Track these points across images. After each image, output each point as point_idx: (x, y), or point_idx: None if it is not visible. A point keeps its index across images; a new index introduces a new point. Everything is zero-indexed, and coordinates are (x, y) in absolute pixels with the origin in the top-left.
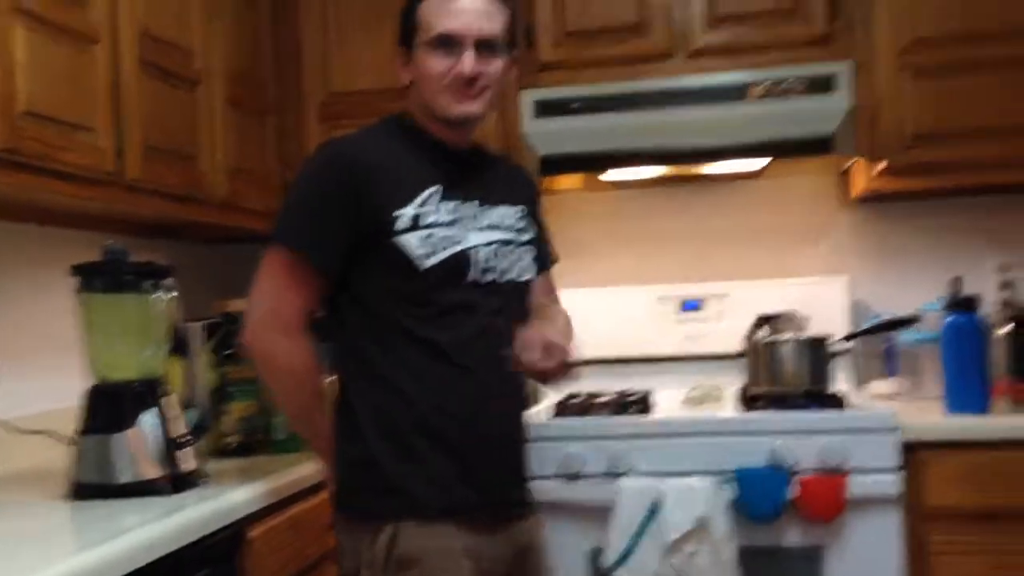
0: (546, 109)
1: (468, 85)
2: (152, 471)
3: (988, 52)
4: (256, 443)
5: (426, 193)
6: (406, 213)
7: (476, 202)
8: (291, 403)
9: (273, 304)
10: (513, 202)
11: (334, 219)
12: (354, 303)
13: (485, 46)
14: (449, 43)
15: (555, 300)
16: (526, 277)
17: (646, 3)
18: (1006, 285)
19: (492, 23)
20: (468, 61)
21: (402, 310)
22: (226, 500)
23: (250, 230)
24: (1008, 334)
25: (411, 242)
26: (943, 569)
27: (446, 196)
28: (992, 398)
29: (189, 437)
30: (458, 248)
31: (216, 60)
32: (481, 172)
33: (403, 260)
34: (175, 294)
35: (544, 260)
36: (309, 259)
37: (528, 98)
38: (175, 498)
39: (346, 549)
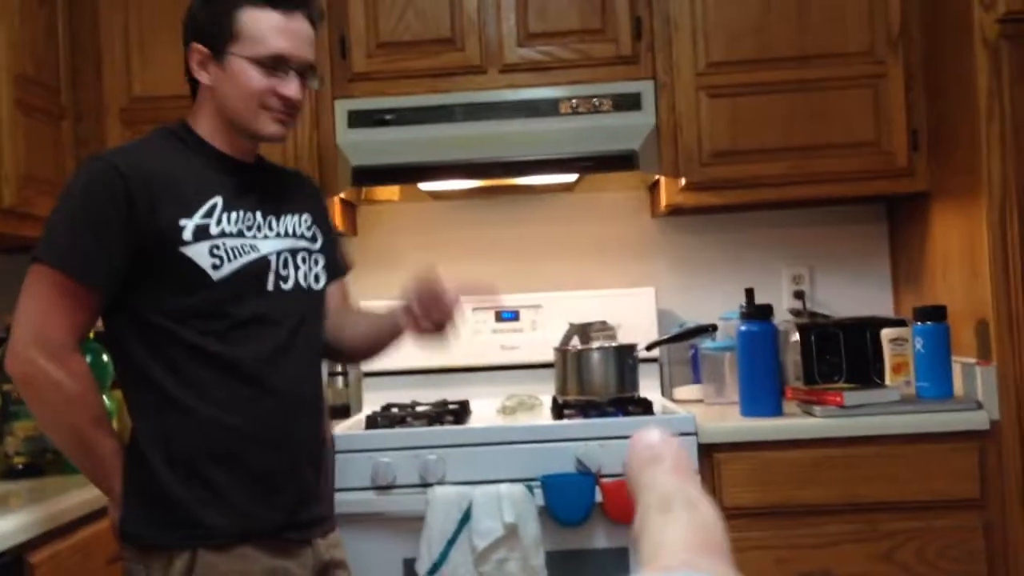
0: (359, 119)
1: (288, 108)
2: None
3: (776, 76)
4: (45, 464)
5: (209, 204)
6: (190, 224)
7: (260, 212)
8: (62, 429)
9: (37, 326)
10: (299, 210)
11: (105, 233)
12: (133, 320)
13: (306, 73)
14: (278, 64)
15: (351, 307)
16: (320, 285)
17: (459, 17)
18: (798, 295)
19: (312, 50)
20: (295, 87)
21: (191, 326)
22: (3, 523)
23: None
24: (799, 340)
25: (200, 252)
26: (738, 565)
27: (229, 206)
28: (784, 401)
29: None
30: (252, 256)
31: (2, 63)
32: (264, 182)
33: (192, 272)
34: None
35: (337, 267)
36: (80, 279)
37: (341, 108)
38: None
39: None
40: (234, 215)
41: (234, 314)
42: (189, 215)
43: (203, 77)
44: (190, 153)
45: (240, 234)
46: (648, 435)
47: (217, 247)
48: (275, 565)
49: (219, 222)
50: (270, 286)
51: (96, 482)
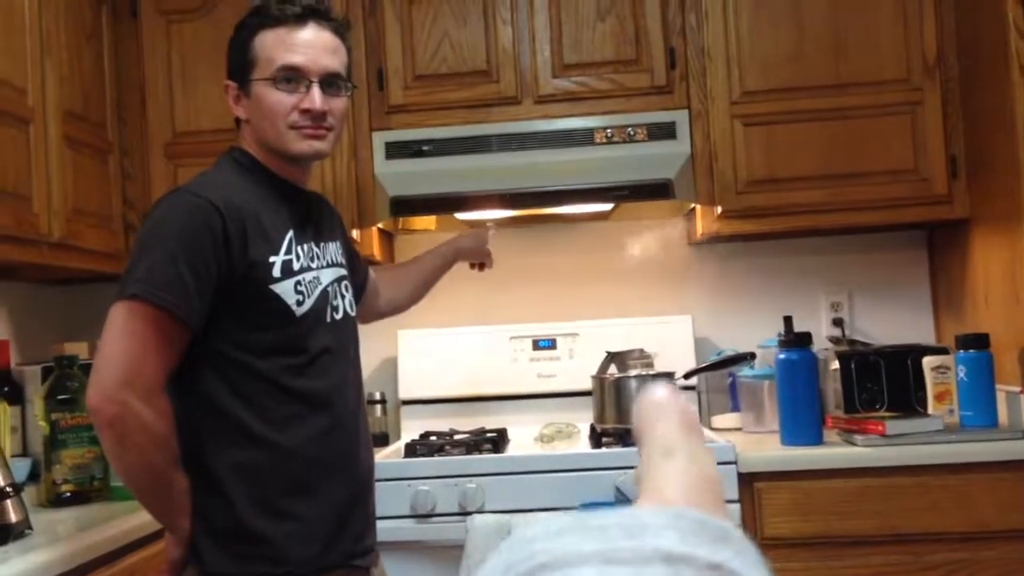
0: (397, 151)
1: (317, 121)
2: None
3: (812, 104)
4: (92, 492)
5: (287, 238)
6: (278, 260)
7: (315, 242)
8: (146, 471)
9: (133, 366)
10: (334, 238)
11: (205, 273)
12: (209, 356)
13: (329, 82)
14: (293, 78)
15: (384, 280)
16: (355, 311)
17: (495, 49)
18: (837, 322)
19: (335, 59)
20: (317, 96)
21: (272, 361)
22: (53, 551)
23: (89, 271)
24: (838, 368)
25: (287, 289)
26: None
27: (299, 239)
28: (825, 429)
29: (11, 488)
30: (320, 289)
31: (50, 98)
32: (310, 210)
33: (278, 308)
34: None
35: (366, 272)
36: (180, 317)
37: (379, 140)
38: None
39: None
40: (304, 248)
41: (310, 348)
42: (276, 251)
43: (239, 112)
44: (260, 183)
45: (310, 267)
46: (655, 392)
47: (300, 283)
48: None
49: (298, 257)
50: (328, 318)
51: (166, 520)
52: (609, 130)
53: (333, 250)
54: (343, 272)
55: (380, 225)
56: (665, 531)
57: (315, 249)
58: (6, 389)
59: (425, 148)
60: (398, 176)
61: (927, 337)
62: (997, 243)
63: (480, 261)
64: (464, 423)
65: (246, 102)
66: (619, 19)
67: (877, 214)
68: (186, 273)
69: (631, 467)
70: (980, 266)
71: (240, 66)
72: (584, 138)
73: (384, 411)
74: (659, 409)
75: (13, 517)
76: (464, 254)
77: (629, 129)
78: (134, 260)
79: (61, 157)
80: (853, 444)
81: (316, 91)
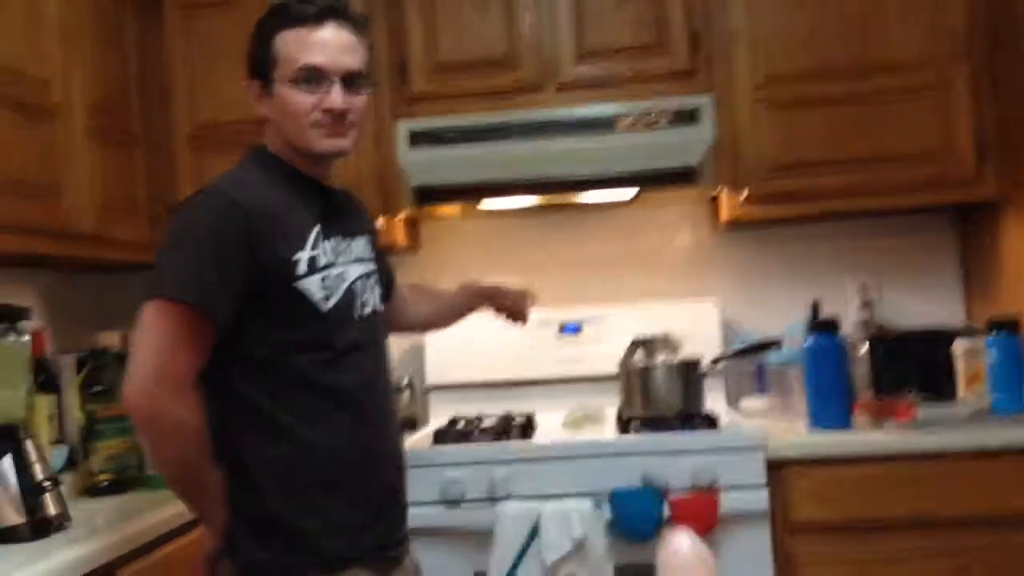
0: (420, 139)
1: (338, 120)
2: (11, 518)
3: (834, 88)
4: (128, 480)
5: (313, 234)
6: (303, 257)
7: (341, 237)
8: (181, 465)
9: (163, 363)
10: (362, 233)
11: (232, 271)
12: (237, 354)
13: (350, 81)
14: (314, 77)
15: (410, 294)
16: (382, 306)
17: (516, 37)
18: (865, 305)
19: (355, 57)
20: (337, 95)
21: (299, 357)
22: (92, 543)
23: (120, 261)
24: (867, 352)
25: (312, 285)
26: None
27: (325, 234)
28: (853, 414)
29: (50, 482)
30: (346, 285)
31: (76, 91)
32: (337, 205)
33: (305, 305)
34: (27, 338)
35: (393, 274)
36: (207, 315)
37: (402, 129)
38: (37, 544)
39: None
40: (330, 243)
41: (338, 344)
42: (301, 248)
43: (261, 110)
44: (283, 181)
45: (335, 263)
46: (678, 545)
47: (325, 278)
48: None
49: (324, 252)
50: (356, 314)
51: (202, 513)
52: (631, 116)
53: (360, 246)
54: (371, 268)
55: (405, 213)
56: None
57: (341, 244)
58: (42, 378)
59: (448, 136)
60: (421, 165)
61: (957, 320)
62: None
63: (513, 315)
64: (491, 407)
65: (268, 101)
66: (640, 3)
67: (904, 197)
68: (212, 272)
69: (659, 454)
70: (1011, 248)
71: (261, 65)
72: (606, 125)
73: (412, 396)
74: (684, 569)
75: (52, 510)
76: (501, 302)
77: (651, 115)
78: (161, 261)
79: (88, 150)
80: (882, 430)
81: (337, 90)
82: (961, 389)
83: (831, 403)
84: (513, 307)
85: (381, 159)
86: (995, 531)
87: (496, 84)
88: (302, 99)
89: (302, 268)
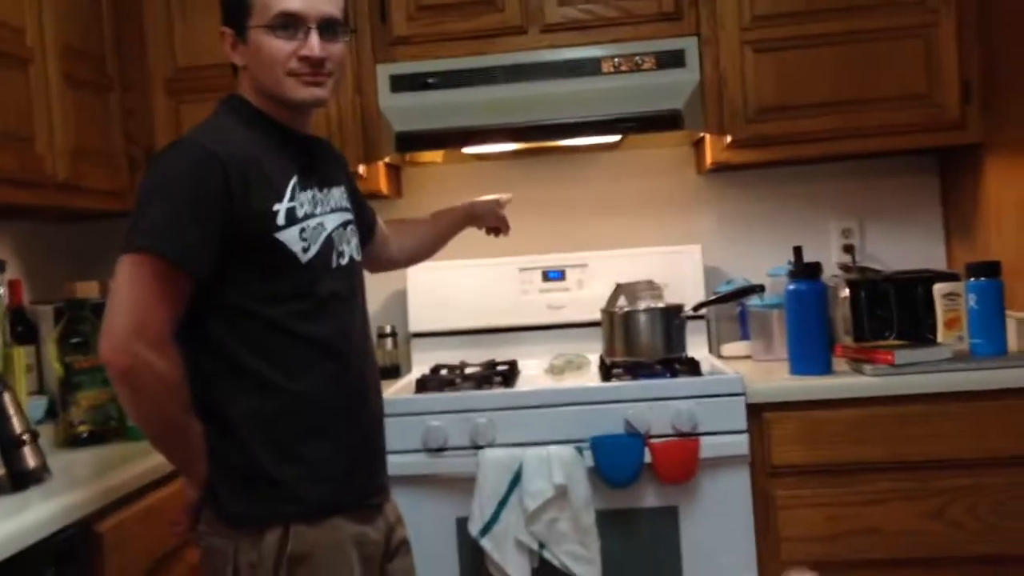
0: (401, 84)
1: (316, 68)
2: None
3: (822, 28)
4: (109, 432)
5: (291, 185)
6: (281, 208)
7: (319, 187)
8: (161, 419)
9: (140, 317)
10: (339, 182)
11: (211, 224)
12: (217, 306)
13: (327, 28)
14: (290, 24)
15: (394, 229)
16: (360, 256)
17: None
18: (847, 249)
19: (332, 3)
20: (315, 42)
21: (279, 308)
22: (71, 495)
23: (96, 209)
24: (848, 297)
25: (291, 236)
26: (788, 522)
27: (303, 185)
28: (833, 358)
29: (28, 434)
30: (324, 234)
31: (49, 36)
32: (314, 155)
33: (284, 256)
34: (3, 289)
35: (373, 216)
36: (187, 269)
37: (383, 73)
38: (17, 497)
39: (216, 552)
40: (308, 193)
41: (317, 294)
42: (280, 199)
43: (236, 59)
44: (260, 131)
45: (313, 213)
46: None
47: (304, 229)
48: (359, 531)
49: (302, 204)
50: (334, 263)
51: (183, 466)
52: (617, 59)
53: (337, 195)
54: (348, 217)
55: (386, 159)
56: None
57: (319, 195)
58: (20, 329)
59: (430, 81)
60: (403, 110)
61: (938, 264)
62: (1010, 169)
63: (495, 226)
64: (474, 355)
65: (243, 49)
66: None
67: (889, 140)
68: (190, 224)
69: (641, 400)
70: (993, 192)
71: (236, 12)
72: (591, 68)
73: (395, 344)
74: None
75: (31, 463)
76: (478, 219)
77: (637, 58)
78: (138, 212)
79: (62, 96)
80: (861, 373)
81: (314, 37)
82: (940, 333)
83: (811, 348)
84: (492, 221)
85: (362, 105)
86: (972, 473)
87: (479, 26)
88: (278, 47)
89: (281, 219)
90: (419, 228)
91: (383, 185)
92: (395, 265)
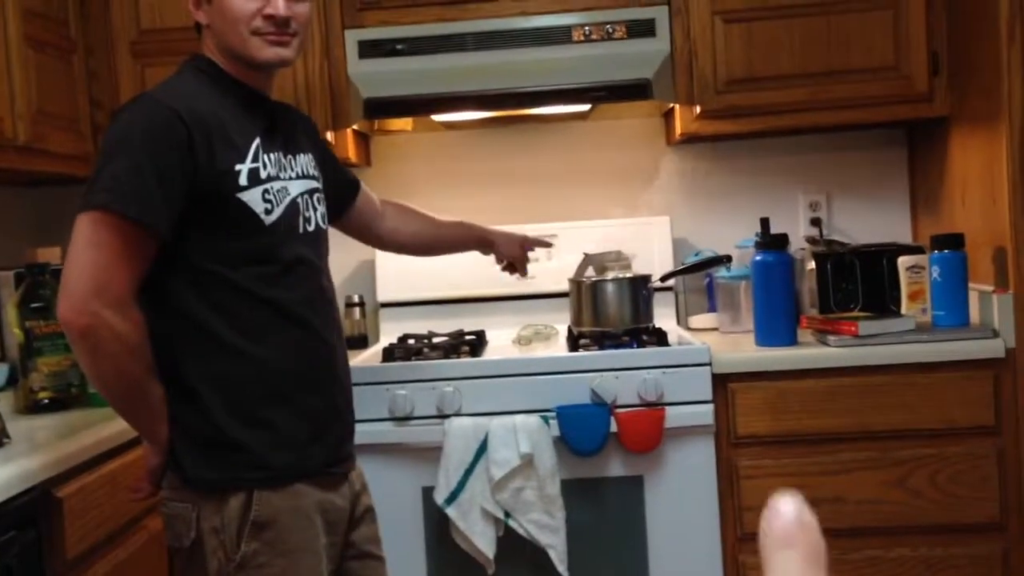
0: (370, 50)
1: (281, 27)
2: None
3: (790, 0)
4: (70, 398)
5: (253, 146)
6: (244, 168)
7: (283, 152)
8: (122, 380)
9: (100, 277)
10: (307, 150)
11: (173, 182)
12: (180, 267)
13: None
14: None
15: (397, 205)
16: (326, 225)
17: None
18: (814, 222)
19: None
20: (280, 2)
21: (243, 271)
22: (29, 460)
23: (58, 174)
24: (814, 270)
25: (254, 198)
26: (751, 491)
27: (266, 147)
28: (799, 330)
29: None
30: (289, 199)
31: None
32: (280, 119)
33: (246, 217)
34: None
35: (351, 185)
36: (149, 227)
37: (352, 38)
38: None
39: (178, 517)
40: (272, 156)
41: (282, 258)
42: (242, 160)
43: (199, 17)
44: (224, 91)
45: (278, 176)
46: (783, 512)
47: (267, 191)
48: (323, 498)
49: (264, 166)
50: (300, 229)
51: (143, 429)
52: (587, 27)
53: (304, 162)
54: (315, 185)
55: (355, 127)
56: None
57: (282, 160)
58: None
59: (399, 47)
60: (372, 76)
61: (904, 237)
62: (976, 142)
63: (511, 264)
64: (443, 325)
65: (207, 7)
66: None
67: (857, 112)
68: (151, 181)
69: (607, 370)
70: (958, 165)
71: None
72: (562, 36)
73: (363, 313)
74: (786, 533)
75: None
76: (495, 247)
77: (608, 26)
78: (98, 169)
79: (23, 58)
80: (826, 344)
81: None
82: (904, 305)
83: (777, 319)
84: (513, 256)
85: (330, 70)
86: (934, 443)
87: None
88: (242, 5)
89: (243, 180)
90: (422, 222)
91: (351, 153)
92: (380, 243)
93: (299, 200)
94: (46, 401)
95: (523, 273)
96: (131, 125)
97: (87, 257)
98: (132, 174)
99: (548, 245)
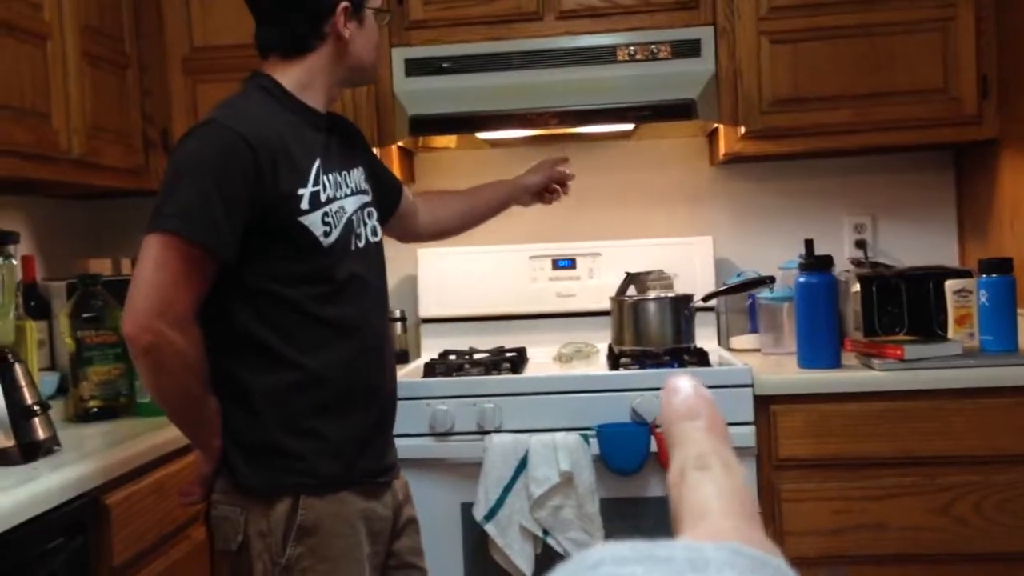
0: (416, 68)
1: None
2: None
3: (839, 20)
4: (119, 407)
5: (315, 168)
6: (306, 192)
7: (340, 170)
8: (180, 394)
9: (165, 297)
10: (359, 164)
11: (238, 207)
12: (237, 286)
13: None
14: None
15: (431, 195)
16: (378, 237)
17: None
18: (859, 244)
19: None
20: None
21: (299, 290)
22: (80, 467)
23: (110, 187)
24: (859, 292)
25: (315, 221)
26: (793, 515)
27: (326, 168)
28: (843, 353)
29: (39, 406)
30: (345, 218)
31: (67, 12)
32: (336, 136)
33: (306, 240)
34: (16, 261)
35: (396, 189)
36: (214, 252)
37: (399, 56)
38: (26, 468)
39: (227, 520)
40: (331, 177)
41: (336, 277)
42: (304, 184)
43: (343, 30)
44: (288, 113)
45: (335, 197)
46: (682, 387)
47: (327, 214)
48: (367, 507)
49: (324, 188)
50: (352, 246)
51: (199, 439)
52: (632, 47)
53: (357, 176)
54: (367, 199)
55: (400, 144)
56: (725, 568)
57: (339, 178)
58: (33, 304)
59: (445, 65)
60: (417, 94)
61: (951, 260)
62: None
63: (552, 187)
64: (483, 342)
65: (355, 26)
66: None
67: (904, 134)
68: (219, 207)
69: (648, 389)
70: (1007, 189)
71: None
72: (607, 56)
73: (404, 329)
74: (687, 406)
75: (41, 434)
76: (528, 187)
77: (653, 46)
78: (166, 192)
79: (79, 73)
80: (871, 368)
81: None
82: (951, 329)
83: (821, 341)
84: (549, 180)
85: (377, 87)
86: (980, 470)
87: (495, 11)
88: (379, 31)
89: (305, 204)
90: (454, 200)
91: (396, 170)
92: (420, 238)
93: (354, 217)
94: (96, 410)
95: (565, 191)
96: (199, 150)
97: (153, 278)
98: (200, 199)
99: (564, 160)
